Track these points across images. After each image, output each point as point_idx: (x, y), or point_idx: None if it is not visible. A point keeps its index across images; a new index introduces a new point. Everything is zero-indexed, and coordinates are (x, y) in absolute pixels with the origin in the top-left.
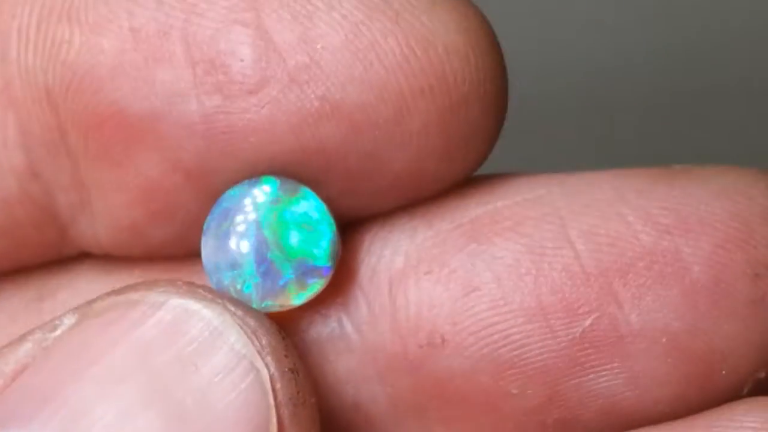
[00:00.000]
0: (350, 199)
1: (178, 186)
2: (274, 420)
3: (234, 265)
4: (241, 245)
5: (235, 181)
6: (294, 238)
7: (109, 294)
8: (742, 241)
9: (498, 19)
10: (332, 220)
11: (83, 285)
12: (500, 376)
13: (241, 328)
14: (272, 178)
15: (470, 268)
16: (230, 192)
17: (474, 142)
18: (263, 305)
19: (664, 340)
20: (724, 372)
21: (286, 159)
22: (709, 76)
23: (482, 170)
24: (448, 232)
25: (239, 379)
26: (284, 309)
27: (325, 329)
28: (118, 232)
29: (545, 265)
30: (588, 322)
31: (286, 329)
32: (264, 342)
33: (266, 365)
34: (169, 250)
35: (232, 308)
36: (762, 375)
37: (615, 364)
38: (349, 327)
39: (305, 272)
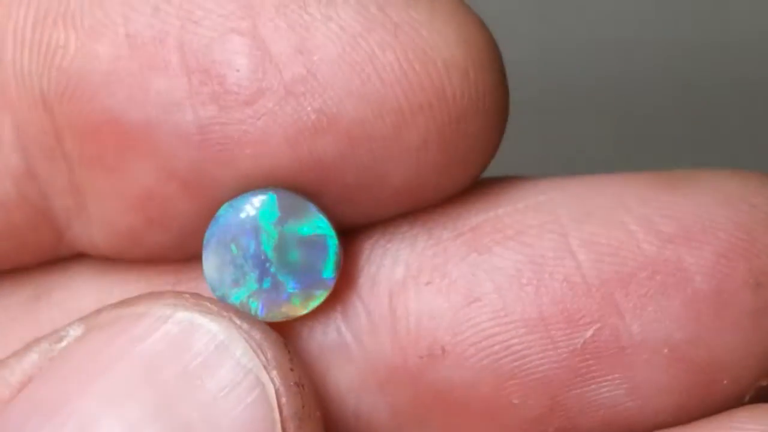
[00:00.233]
0: (348, 209)
1: (174, 195)
2: None
3: (237, 281)
4: (243, 261)
5: (232, 191)
6: (297, 252)
7: (114, 306)
8: (745, 251)
9: (498, 20)
10: (334, 232)
11: (80, 285)
12: (501, 387)
13: (247, 341)
14: (272, 190)
15: (471, 278)
16: (229, 205)
17: (473, 156)
18: (268, 316)
19: (665, 350)
20: (725, 382)
21: (283, 171)
22: (713, 76)
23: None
24: (448, 240)
25: (245, 393)
26: (289, 318)
27: (324, 339)
28: (114, 237)
29: (546, 275)
30: (589, 333)
31: (286, 339)
32: (270, 356)
33: (272, 379)
34: (167, 254)
35: (238, 321)
36: (764, 383)
37: (616, 375)
38: (348, 337)
39: (310, 284)
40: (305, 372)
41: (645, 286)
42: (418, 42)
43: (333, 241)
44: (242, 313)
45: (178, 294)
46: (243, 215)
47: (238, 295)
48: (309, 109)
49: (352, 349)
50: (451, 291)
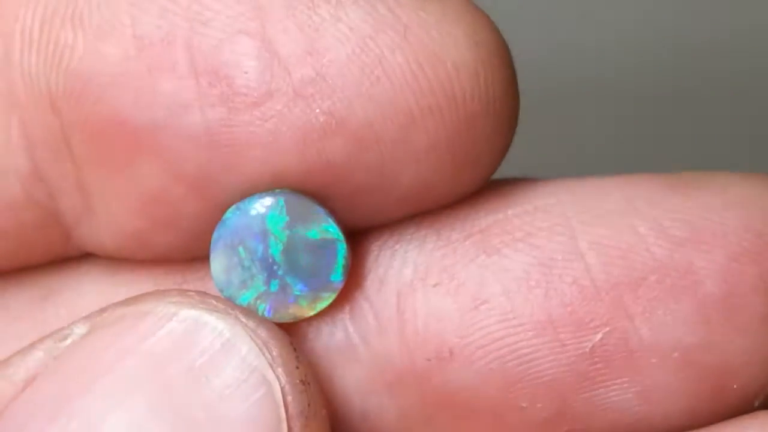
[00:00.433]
0: (356, 212)
1: (181, 196)
2: None
3: (245, 283)
4: (251, 263)
5: (240, 193)
6: (305, 255)
7: (119, 304)
8: (756, 254)
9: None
10: (342, 235)
11: (87, 285)
12: (509, 390)
13: (253, 339)
14: (280, 193)
15: (479, 280)
16: (237, 207)
17: (483, 159)
18: (276, 317)
19: (675, 354)
20: (735, 386)
21: (291, 173)
22: (718, 74)
23: None
24: (457, 242)
25: (251, 391)
26: (297, 320)
27: (332, 339)
28: (122, 238)
29: (555, 278)
30: (598, 337)
31: (293, 338)
32: (275, 353)
33: (277, 377)
34: (174, 255)
35: (244, 319)
36: None
37: (625, 379)
38: (356, 338)
39: (318, 287)
40: (311, 370)
41: (655, 290)
42: (428, 43)
43: (341, 245)
44: (248, 311)
45: (183, 292)
46: (251, 218)
47: (245, 297)
48: (318, 111)
49: (359, 349)
50: (459, 293)
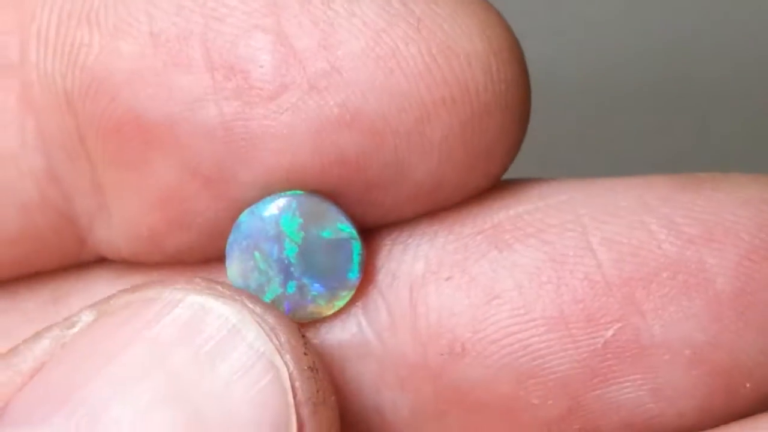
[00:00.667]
0: (370, 208)
1: (196, 193)
2: (294, 419)
3: (262, 287)
4: (267, 267)
5: (255, 189)
6: (320, 255)
7: (125, 291)
8: None
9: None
10: (356, 233)
11: (99, 289)
12: (521, 386)
13: (260, 325)
14: (293, 195)
15: (491, 276)
16: (250, 211)
17: (496, 152)
18: (295, 317)
19: (687, 352)
20: (748, 385)
21: (306, 166)
22: (725, 74)
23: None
24: (469, 237)
25: (258, 377)
26: (315, 318)
27: (345, 334)
28: (136, 239)
29: (567, 273)
30: (610, 333)
31: (305, 331)
32: (283, 339)
33: (285, 363)
34: (187, 256)
35: (251, 305)
36: None
37: (638, 376)
38: (369, 332)
39: (335, 286)
40: (319, 358)
41: (666, 287)
42: (441, 36)
43: (356, 243)
44: (255, 298)
45: (190, 279)
46: (264, 221)
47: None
48: (332, 103)
49: (372, 344)
50: (471, 288)
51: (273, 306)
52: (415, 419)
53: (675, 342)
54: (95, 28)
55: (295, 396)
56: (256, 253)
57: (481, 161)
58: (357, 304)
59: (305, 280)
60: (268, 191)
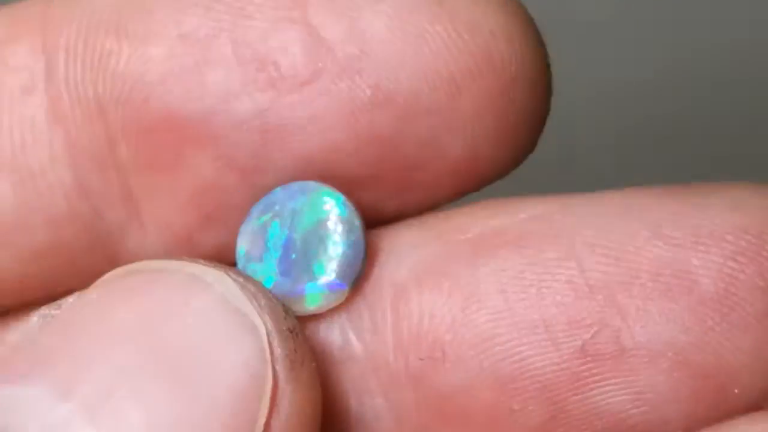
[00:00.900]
0: (408, 192)
1: (232, 185)
2: (270, 374)
3: (261, 258)
4: (272, 241)
5: (291, 175)
6: (322, 252)
7: (110, 272)
8: (755, 254)
9: None
10: (364, 244)
11: None
12: (501, 391)
13: (241, 290)
14: (322, 189)
15: (473, 280)
16: (281, 188)
17: (523, 126)
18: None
19: (669, 354)
20: (736, 390)
21: (342, 148)
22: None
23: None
24: (453, 245)
25: (238, 335)
26: (296, 314)
27: (327, 338)
28: (170, 241)
29: (549, 277)
30: (589, 335)
31: None
32: (263, 303)
33: (264, 323)
34: (224, 255)
35: (233, 275)
36: None
37: (619, 379)
38: (352, 337)
39: (325, 287)
40: (300, 326)
41: (649, 289)
42: (464, 14)
43: (361, 253)
44: (238, 270)
45: (174, 256)
46: (289, 202)
47: (256, 272)
48: (364, 85)
49: (355, 348)
50: (453, 292)
51: (255, 280)
52: (400, 429)
53: (657, 344)
54: (123, 38)
55: (272, 353)
56: (268, 228)
57: (511, 135)
58: (340, 308)
59: (301, 269)
60: (304, 179)
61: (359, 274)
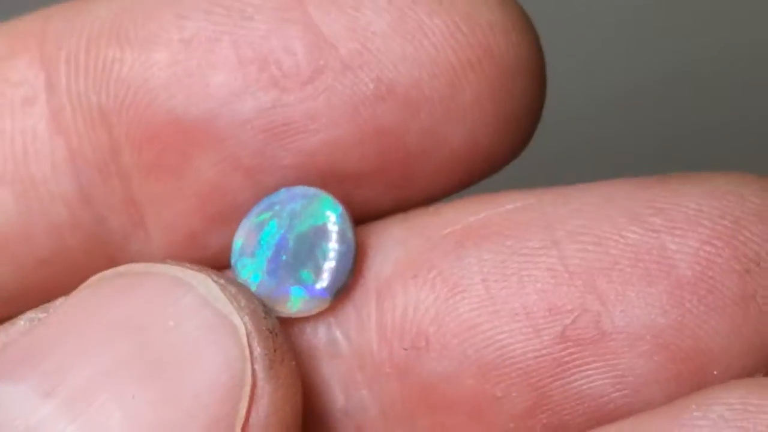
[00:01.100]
0: (411, 183)
1: (237, 186)
2: (249, 373)
3: (252, 254)
4: (266, 239)
5: (296, 173)
6: (313, 260)
7: (95, 275)
8: (731, 238)
9: None
10: (354, 257)
11: None
12: (485, 379)
13: (222, 291)
14: (324, 198)
15: (456, 271)
16: (285, 190)
17: (522, 116)
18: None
19: (648, 337)
20: (716, 372)
21: (346, 141)
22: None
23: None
24: (437, 237)
25: (219, 335)
26: (277, 314)
27: (314, 335)
28: (174, 245)
29: (530, 265)
30: (569, 320)
31: None
32: (243, 304)
33: (244, 323)
34: (225, 261)
35: (215, 277)
36: (762, 376)
37: (599, 363)
38: (338, 333)
39: (308, 294)
40: (281, 327)
41: (628, 274)
42: (462, 7)
43: (349, 267)
44: (219, 273)
45: (160, 259)
46: (289, 204)
47: (245, 267)
48: (367, 79)
49: (341, 345)
50: (436, 283)
51: (236, 281)
52: (385, 420)
53: (636, 327)
54: (126, 46)
55: (251, 353)
56: (264, 227)
57: (509, 125)
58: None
59: (289, 271)
60: (308, 175)
61: (345, 284)
